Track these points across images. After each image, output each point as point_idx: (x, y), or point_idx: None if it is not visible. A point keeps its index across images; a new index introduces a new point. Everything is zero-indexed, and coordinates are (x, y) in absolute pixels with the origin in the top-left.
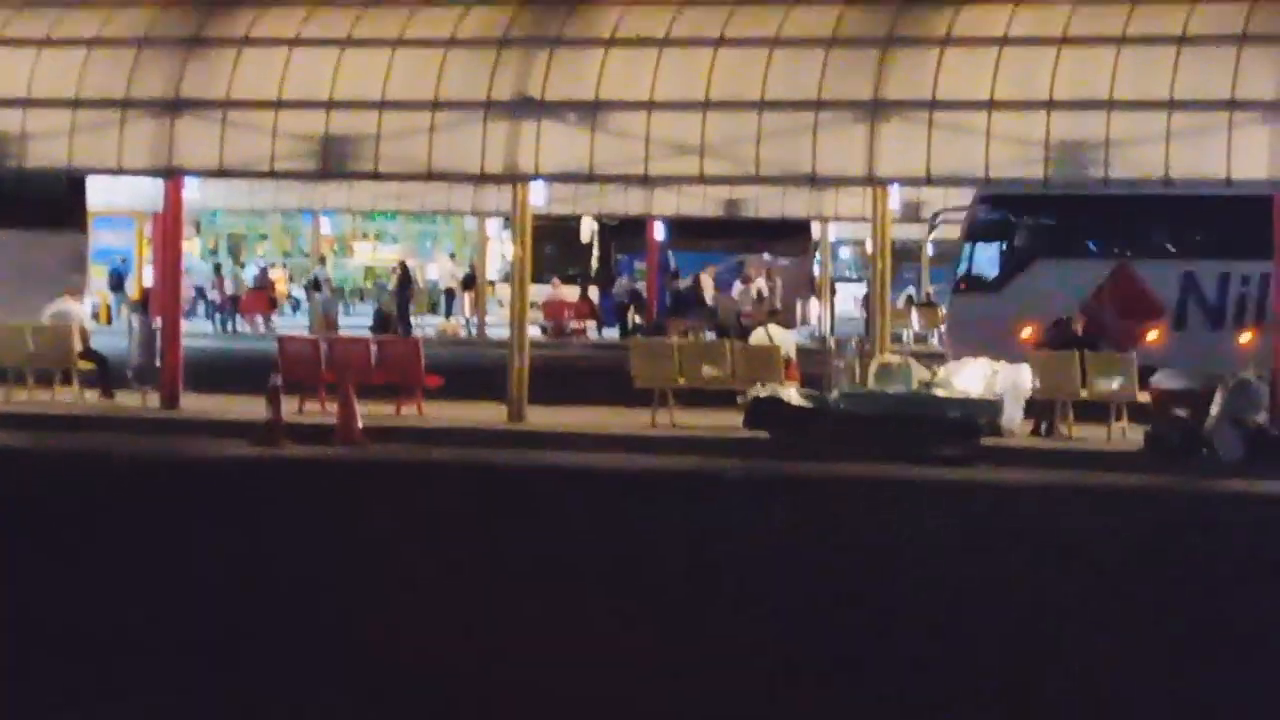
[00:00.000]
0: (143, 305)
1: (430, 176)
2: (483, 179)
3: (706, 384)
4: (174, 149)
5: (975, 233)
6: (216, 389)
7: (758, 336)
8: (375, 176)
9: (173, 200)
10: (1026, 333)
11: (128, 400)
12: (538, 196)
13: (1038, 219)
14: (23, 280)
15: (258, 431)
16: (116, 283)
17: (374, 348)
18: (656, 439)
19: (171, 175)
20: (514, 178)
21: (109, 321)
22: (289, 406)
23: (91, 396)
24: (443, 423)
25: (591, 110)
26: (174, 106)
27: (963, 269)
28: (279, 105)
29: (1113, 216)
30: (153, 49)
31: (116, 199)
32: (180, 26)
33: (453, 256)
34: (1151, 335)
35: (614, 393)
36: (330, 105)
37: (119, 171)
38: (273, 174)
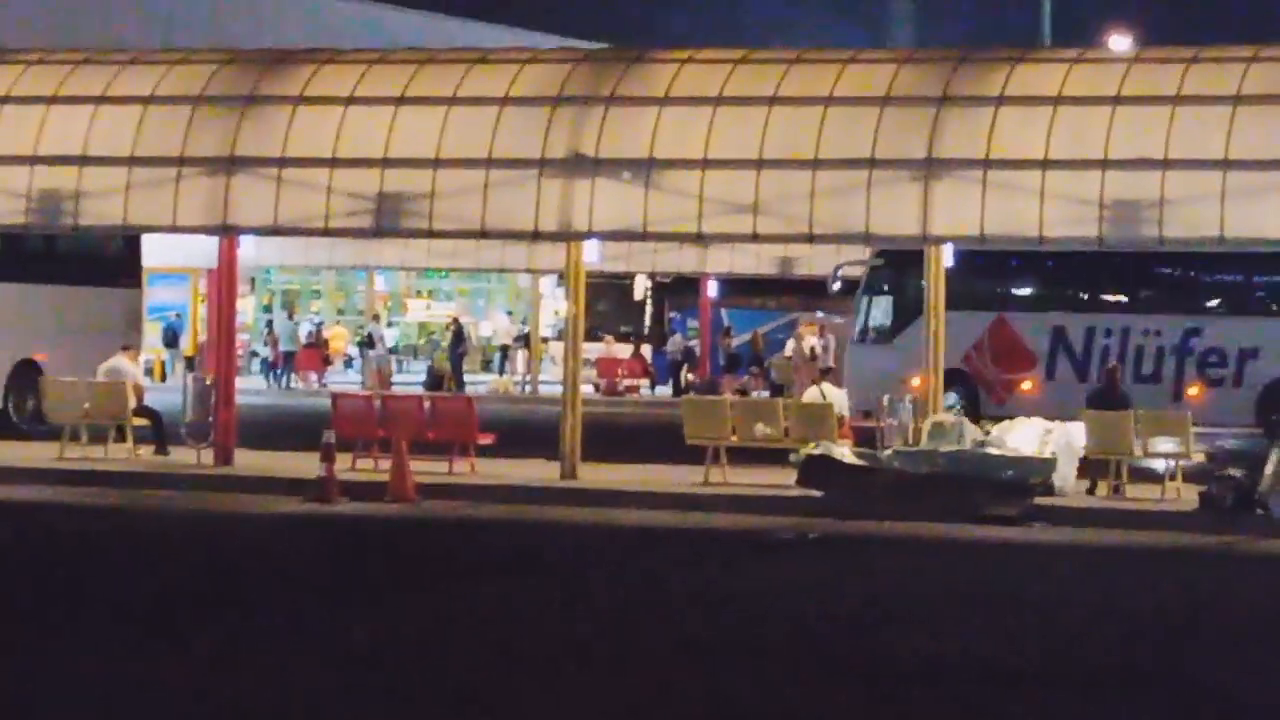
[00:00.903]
0: (197, 362)
1: (484, 234)
2: (536, 237)
3: (759, 442)
4: (229, 206)
5: (871, 287)
6: (270, 445)
7: (810, 394)
8: (430, 234)
9: (227, 257)
10: (916, 382)
11: (182, 456)
12: (591, 254)
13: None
14: (78, 337)
15: (311, 487)
16: (171, 339)
17: (427, 404)
18: (708, 497)
19: (226, 233)
20: (568, 235)
21: (163, 378)
22: (342, 463)
23: (145, 453)
24: (495, 480)
25: (645, 168)
26: (229, 164)
27: (860, 322)
28: (334, 163)
29: (992, 272)
30: (209, 107)
31: (171, 255)
32: (236, 84)
33: (510, 314)
34: (1025, 385)
35: (667, 450)
36: (385, 163)
37: (174, 229)
38: (327, 231)
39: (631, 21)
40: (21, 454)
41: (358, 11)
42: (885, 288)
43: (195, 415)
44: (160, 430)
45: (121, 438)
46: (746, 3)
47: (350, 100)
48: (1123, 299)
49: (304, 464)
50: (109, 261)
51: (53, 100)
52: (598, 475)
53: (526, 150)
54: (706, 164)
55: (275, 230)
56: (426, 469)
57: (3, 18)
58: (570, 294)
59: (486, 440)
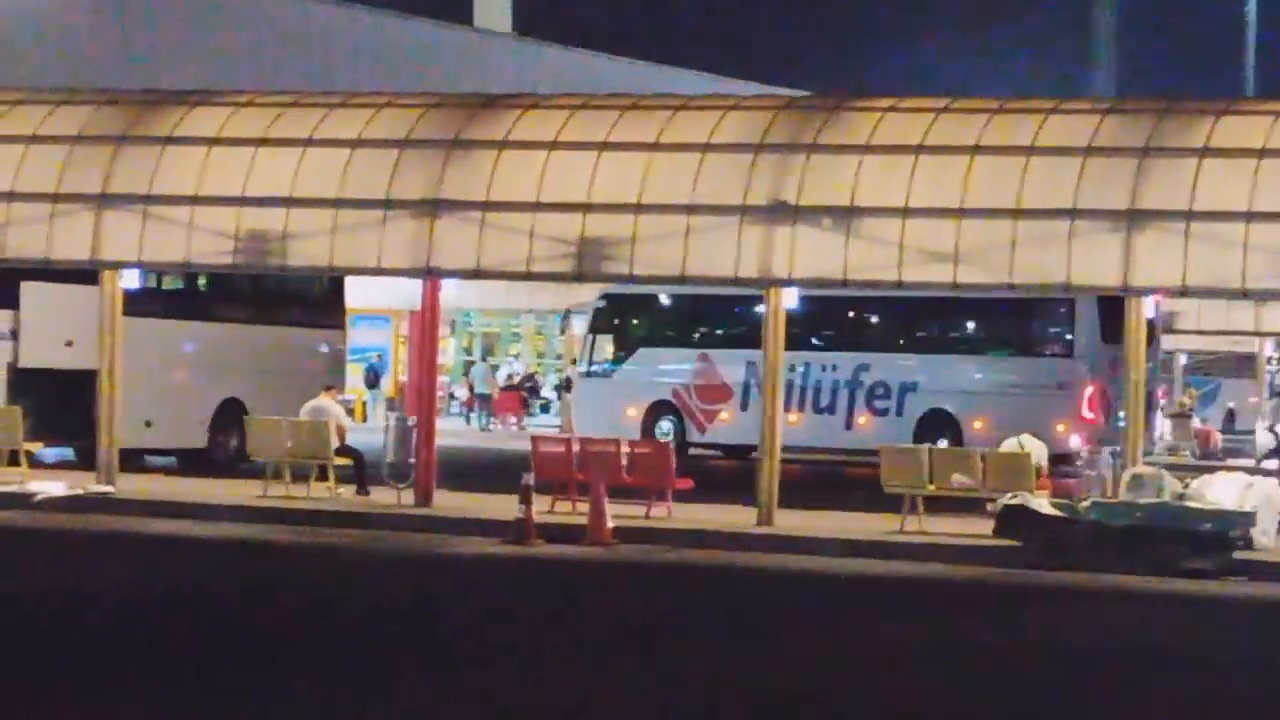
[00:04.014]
0: (398, 402)
1: (684, 279)
2: (736, 283)
3: (956, 491)
4: (433, 249)
5: (595, 326)
6: (469, 487)
7: (1009, 445)
8: (630, 279)
9: (430, 300)
10: (632, 411)
11: (382, 496)
12: (790, 301)
13: (641, 315)
14: (282, 377)
15: (509, 529)
16: (372, 380)
17: (625, 449)
18: (904, 545)
19: (430, 275)
20: (768, 282)
21: (364, 419)
22: (540, 505)
23: (346, 492)
24: (692, 525)
25: (846, 216)
26: (434, 207)
27: (585, 357)
28: (537, 207)
29: (696, 314)
30: (415, 150)
31: (373, 297)
32: (442, 128)
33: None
34: (723, 415)
35: (864, 498)
36: (587, 208)
37: (379, 272)
38: (529, 276)
39: (831, 69)
40: (225, 491)
41: (563, 58)
42: (607, 327)
43: (396, 456)
44: (362, 470)
45: (323, 477)
46: (946, 50)
47: (554, 145)
48: None
49: (503, 505)
50: (314, 303)
51: (261, 142)
52: (794, 521)
53: (728, 196)
54: (907, 212)
55: (478, 274)
56: (624, 513)
57: (218, 64)
58: (770, 340)
59: (684, 485)
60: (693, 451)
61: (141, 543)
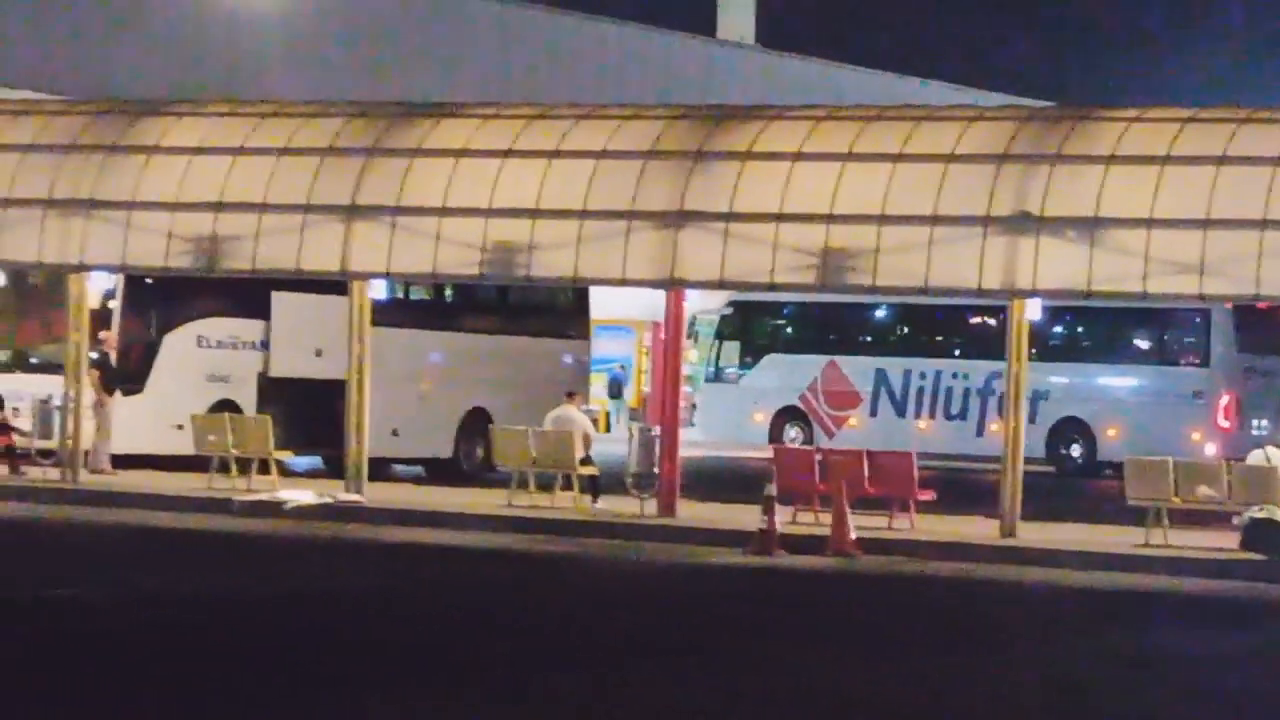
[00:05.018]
0: (641, 413)
1: (926, 290)
2: (979, 294)
3: (1201, 504)
4: (676, 261)
5: (722, 333)
6: (711, 497)
7: (1255, 458)
8: (872, 290)
9: (674, 311)
10: (759, 417)
11: (626, 507)
12: (1033, 312)
13: (768, 322)
14: (528, 387)
15: (752, 540)
16: (615, 390)
17: (867, 460)
18: (1148, 559)
19: (674, 286)
20: (1011, 293)
21: (607, 429)
22: (783, 516)
23: (586, 501)
24: (934, 536)
25: (1090, 227)
26: (679, 218)
27: (712, 364)
28: (779, 218)
29: (826, 320)
30: (659, 161)
31: (614, 307)
32: (686, 141)
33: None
34: (852, 421)
35: (1108, 511)
36: (830, 219)
37: (623, 283)
38: (772, 287)
39: (1074, 80)
40: (471, 501)
41: (806, 69)
42: (735, 333)
43: (640, 466)
44: (595, 483)
45: (568, 486)
46: (1190, 60)
47: (798, 156)
48: None
49: (745, 516)
50: (559, 313)
51: (507, 154)
52: (1037, 534)
53: (972, 207)
54: (1152, 223)
55: (721, 284)
56: (866, 524)
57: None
58: (1013, 351)
59: (926, 496)
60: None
61: (390, 550)
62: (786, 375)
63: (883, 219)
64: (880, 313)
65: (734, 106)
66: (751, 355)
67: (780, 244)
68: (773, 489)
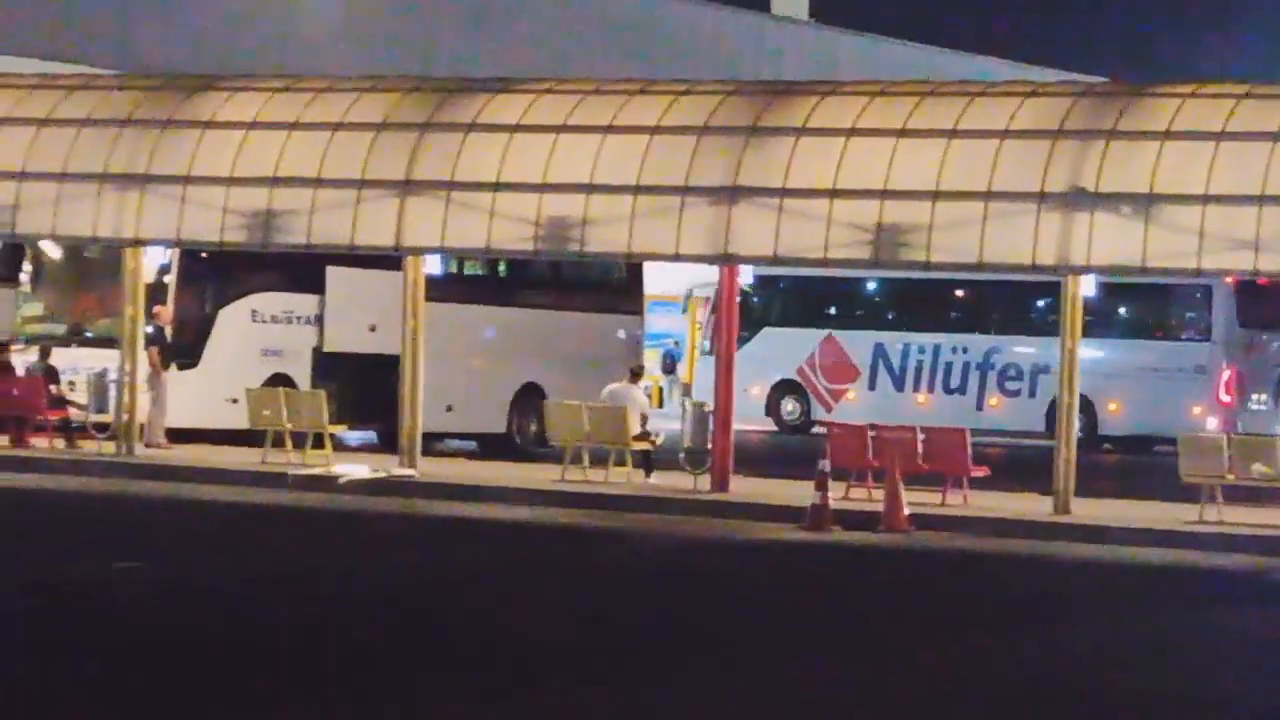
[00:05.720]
0: (695, 389)
1: (981, 266)
2: (1034, 270)
3: (1256, 481)
4: (730, 236)
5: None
6: (764, 473)
7: None
8: (926, 266)
9: (727, 286)
10: (755, 391)
11: (679, 482)
12: (1087, 288)
13: (765, 295)
14: (582, 363)
15: (806, 515)
16: (669, 366)
17: (921, 436)
18: (1200, 535)
19: (728, 262)
20: (1066, 269)
21: (660, 404)
22: (836, 492)
23: (638, 477)
24: (987, 513)
25: (1145, 203)
26: (732, 193)
27: (710, 337)
28: (834, 194)
29: (822, 294)
30: (712, 137)
31: (669, 283)
32: (740, 117)
33: None
34: (850, 394)
35: (1162, 488)
36: (884, 194)
37: (676, 258)
38: (825, 262)
39: (1129, 54)
40: (524, 475)
41: (860, 44)
42: None
43: (694, 441)
44: (649, 456)
45: (621, 462)
46: (1238, 40)
47: (852, 132)
48: None
49: (798, 492)
50: (613, 289)
51: (561, 129)
52: (1091, 510)
53: (1026, 183)
54: (1207, 199)
55: (775, 260)
56: (919, 500)
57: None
58: (1068, 327)
59: (980, 473)
60: (815, 430)
61: (447, 525)
62: (783, 349)
63: (937, 195)
64: (878, 286)
65: (788, 82)
66: (748, 329)
67: (834, 220)
68: (826, 464)
